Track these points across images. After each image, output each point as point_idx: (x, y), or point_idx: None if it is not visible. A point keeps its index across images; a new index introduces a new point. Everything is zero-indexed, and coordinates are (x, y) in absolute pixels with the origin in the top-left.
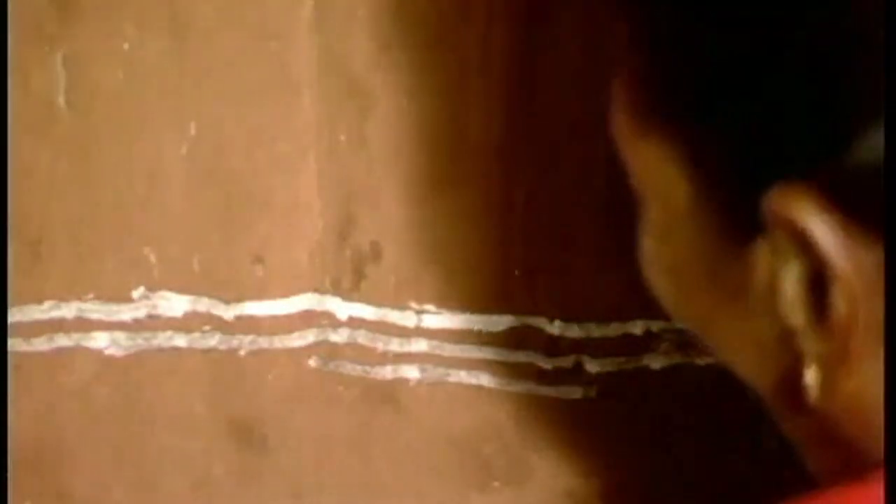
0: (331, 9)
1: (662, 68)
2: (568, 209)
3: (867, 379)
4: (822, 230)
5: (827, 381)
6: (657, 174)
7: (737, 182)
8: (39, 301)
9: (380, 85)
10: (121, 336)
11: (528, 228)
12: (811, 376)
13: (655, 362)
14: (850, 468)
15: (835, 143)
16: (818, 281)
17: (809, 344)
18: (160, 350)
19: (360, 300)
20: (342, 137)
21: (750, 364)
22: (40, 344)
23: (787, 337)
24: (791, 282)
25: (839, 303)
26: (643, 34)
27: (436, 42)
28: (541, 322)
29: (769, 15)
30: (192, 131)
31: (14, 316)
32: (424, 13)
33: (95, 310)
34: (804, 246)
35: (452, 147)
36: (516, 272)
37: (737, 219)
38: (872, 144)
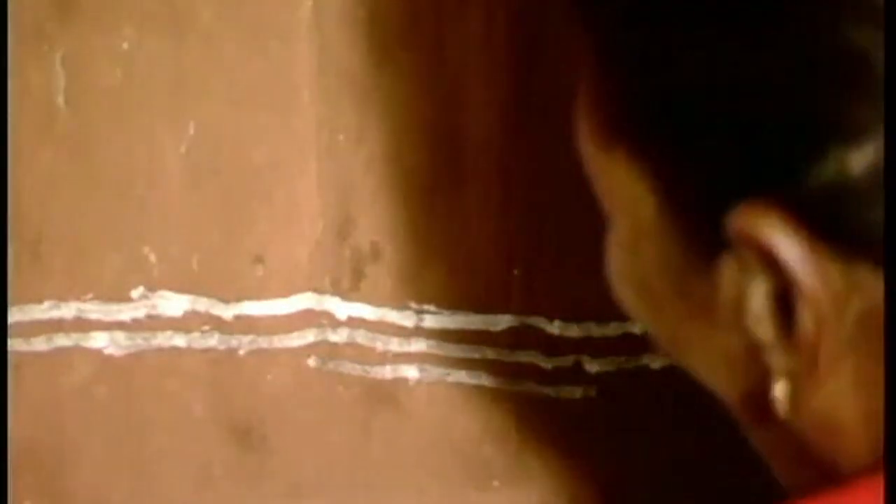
0: (330, 9)
1: (626, 85)
2: (567, 209)
3: (835, 393)
4: (788, 247)
5: (795, 395)
6: (623, 189)
7: (702, 198)
8: (39, 301)
9: (379, 85)
10: (120, 336)
11: (528, 228)
12: (779, 390)
13: (655, 362)
14: (820, 482)
15: (798, 161)
16: (784, 296)
17: (777, 359)
18: (159, 350)
19: (359, 300)
20: (341, 137)
21: (718, 377)
22: (39, 344)
23: (754, 351)
24: (758, 297)
25: (806, 318)
26: (607, 51)
27: (435, 42)
28: (540, 322)
29: (732, 36)
30: (192, 131)
31: (14, 316)
32: (424, 13)
33: (95, 310)
34: (770, 263)
35: (452, 147)
36: (516, 272)
37: (703, 234)
38: (834, 163)
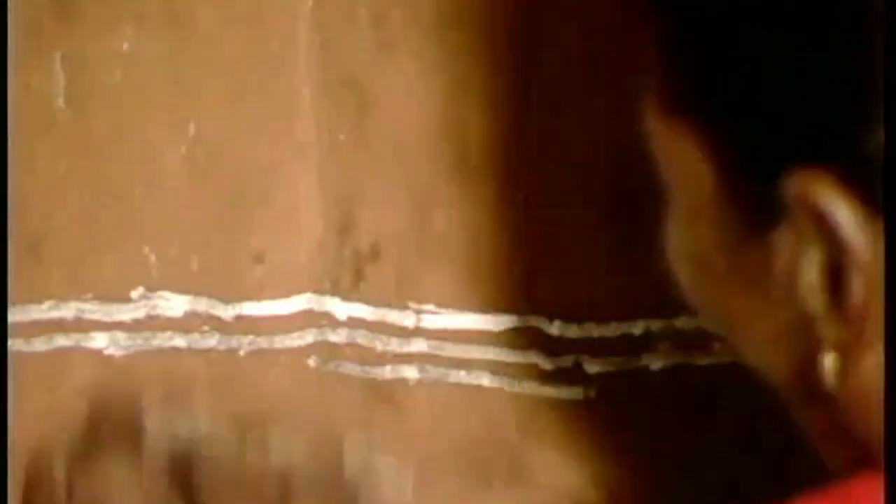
0: (330, 8)
1: (690, 59)
2: (567, 209)
3: (872, 369)
4: (842, 213)
5: (843, 366)
6: (685, 163)
7: (760, 169)
8: (39, 301)
9: (380, 84)
10: (120, 336)
11: (528, 228)
12: (828, 362)
13: (655, 362)
14: (859, 464)
15: (852, 128)
16: (836, 268)
17: (828, 330)
18: (159, 350)
19: (359, 300)
20: (342, 137)
21: (769, 353)
22: (40, 344)
23: (805, 324)
24: (811, 268)
25: (858, 288)
26: (673, 26)
27: (436, 41)
28: (540, 322)
29: (793, 8)
30: (192, 131)
31: (14, 316)
32: (424, 13)
33: (95, 310)
34: (824, 230)
35: (452, 147)
36: (515, 272)
37: (759, 207)
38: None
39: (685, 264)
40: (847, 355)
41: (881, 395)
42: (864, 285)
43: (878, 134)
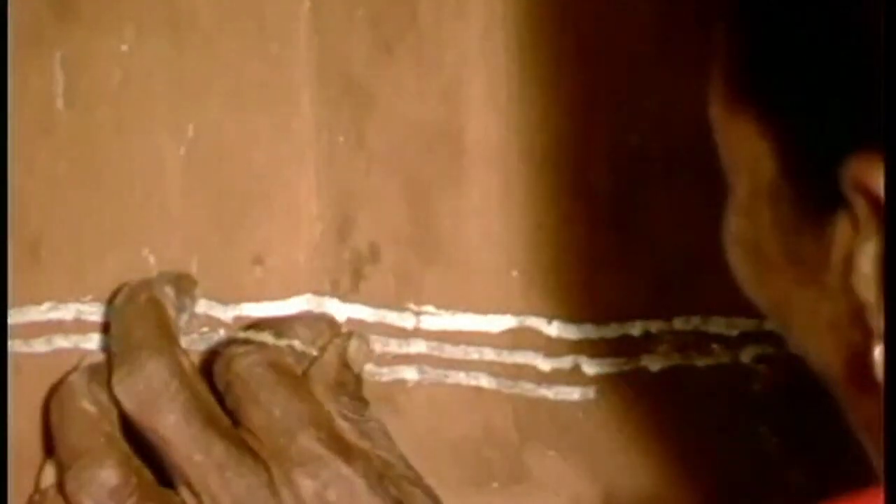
0: (329, 9)
1: (757, 47)
2: (567, 210)
3: None
4: None
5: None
6: (746, 151)
7: (820, 156)
8: (38, 302)
9: (379, 86)
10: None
11: (527, 229)
12: (880, 354)
13: (654, 364)
14: None
15: None
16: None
17: (881, 322)
18: None
19: (358, 301)
20: (341, 138)
21: (822, 345)
22: (39, 345)
23: (859, 315)
24: (867, 258)
25: None
26: (739, 13)
27: (435, 42)
28: (539, 323)
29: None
30: (191, 132)
31: (13, 317)
32: (423, 13)
33: (94, 311)
34: (882, 218)
35: (452, 147)
36: (514, 273)
37: (819, 195)
38: None
39: (742, 255)
40: None
41: None
42: None
43: None
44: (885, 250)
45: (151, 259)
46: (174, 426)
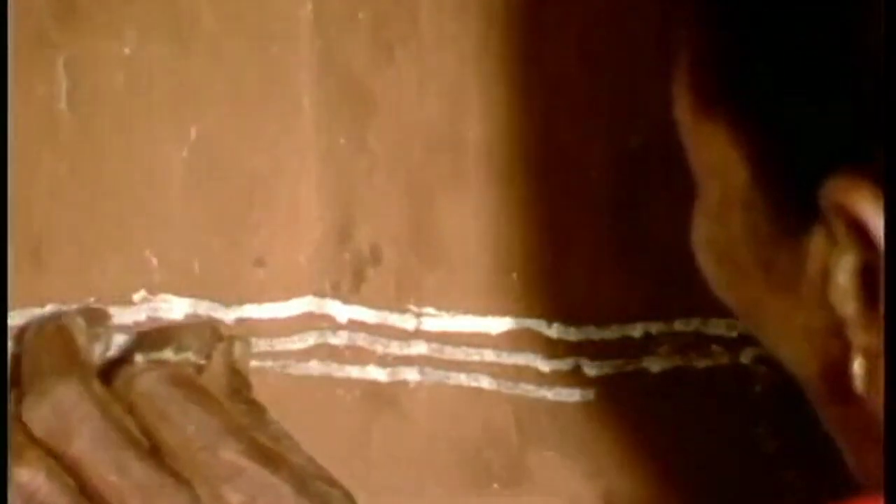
0: (331, 12)
1: (727, 54)
2: (567, 211)
3: None
4: (878, 220)
5: (873, 372)
6: (717, 155)
7: (795, 169)
8: (41, 305)
9: (380, 87)
10: (121, 339)
11: (528, 230)
12: (858, 367)
13: (654, 365)
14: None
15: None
16: (870, 272)
17: (859, 335)
18: None
19: (359, 303)
20: (342, 140)
21: (796, 352)
22: None
23: (836, 327)
24: (844, 272)
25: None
26: (709, 19)
27: (436, 43)
28: (539, 325)
29: (832, 9)
30: (193, 135)
31: (14, 319)
32: (424, 14)
33: None
34: (860, 237)
35: (453, 149)
36: (515, 275)
37: (793, 206)
38: None
39: (713, 259)
40: (877, 361)
41: None
42: None
43: None
44: (886, 251)
45: (154, 261)
46: (86, 449)
